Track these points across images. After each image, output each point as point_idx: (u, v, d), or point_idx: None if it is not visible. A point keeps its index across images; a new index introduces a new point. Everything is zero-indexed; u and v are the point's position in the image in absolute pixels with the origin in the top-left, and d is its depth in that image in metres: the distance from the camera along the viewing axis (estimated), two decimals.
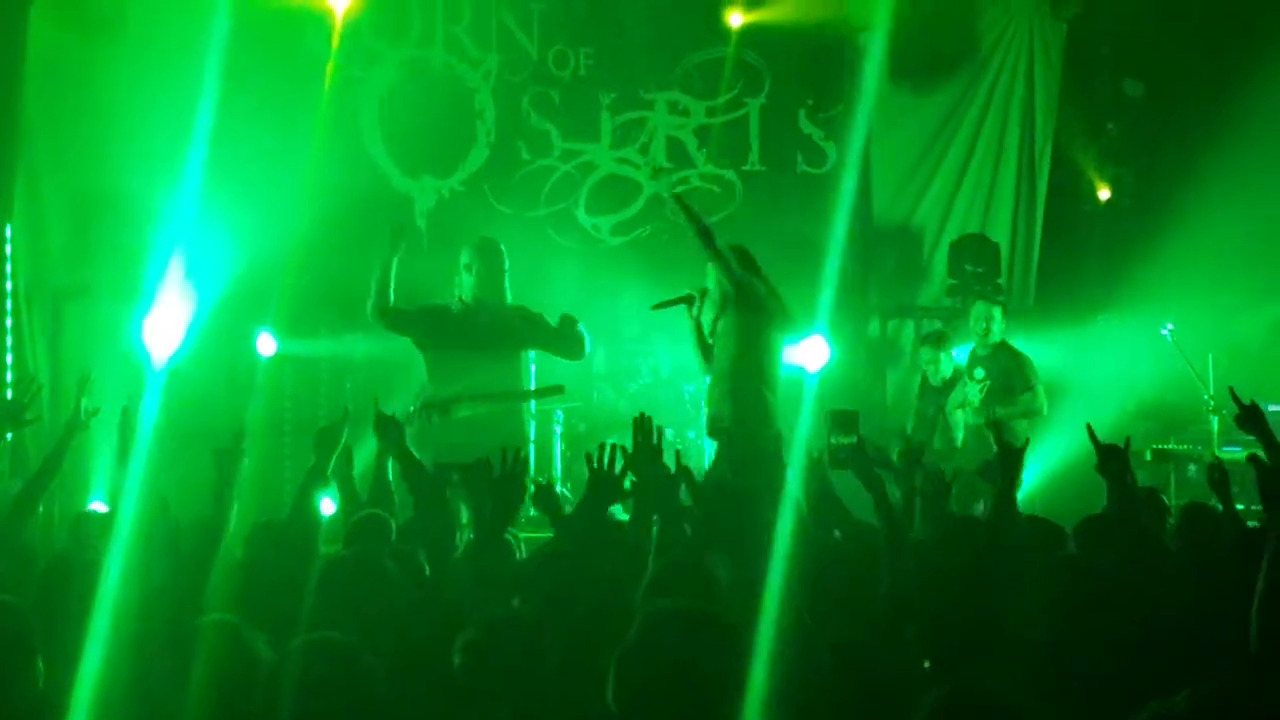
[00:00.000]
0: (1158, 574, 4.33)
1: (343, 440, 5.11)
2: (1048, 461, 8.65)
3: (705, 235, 7.52)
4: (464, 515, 6.00)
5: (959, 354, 9.12)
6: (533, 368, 8.67)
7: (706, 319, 7.73)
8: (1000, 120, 11.07)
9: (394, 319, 7.63)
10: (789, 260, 9.70)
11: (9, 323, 9.04)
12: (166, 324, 8.86)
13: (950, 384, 9.03)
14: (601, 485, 4.52)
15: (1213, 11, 10.74)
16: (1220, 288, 10.08)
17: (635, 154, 11.00)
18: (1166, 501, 6.74)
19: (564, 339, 7.81)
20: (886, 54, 10.39)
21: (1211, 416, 9.30)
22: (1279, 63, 9.91)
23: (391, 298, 7.53)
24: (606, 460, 4.52)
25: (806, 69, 11.09)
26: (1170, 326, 9.46)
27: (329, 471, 4.97)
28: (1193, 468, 9.44)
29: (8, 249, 9.00)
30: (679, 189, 8.80)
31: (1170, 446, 9.64)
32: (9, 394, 8.48)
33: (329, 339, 9.93)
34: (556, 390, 8.48)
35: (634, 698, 2.94)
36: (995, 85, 11.07)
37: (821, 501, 5.17)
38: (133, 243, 9.28)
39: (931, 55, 10.96)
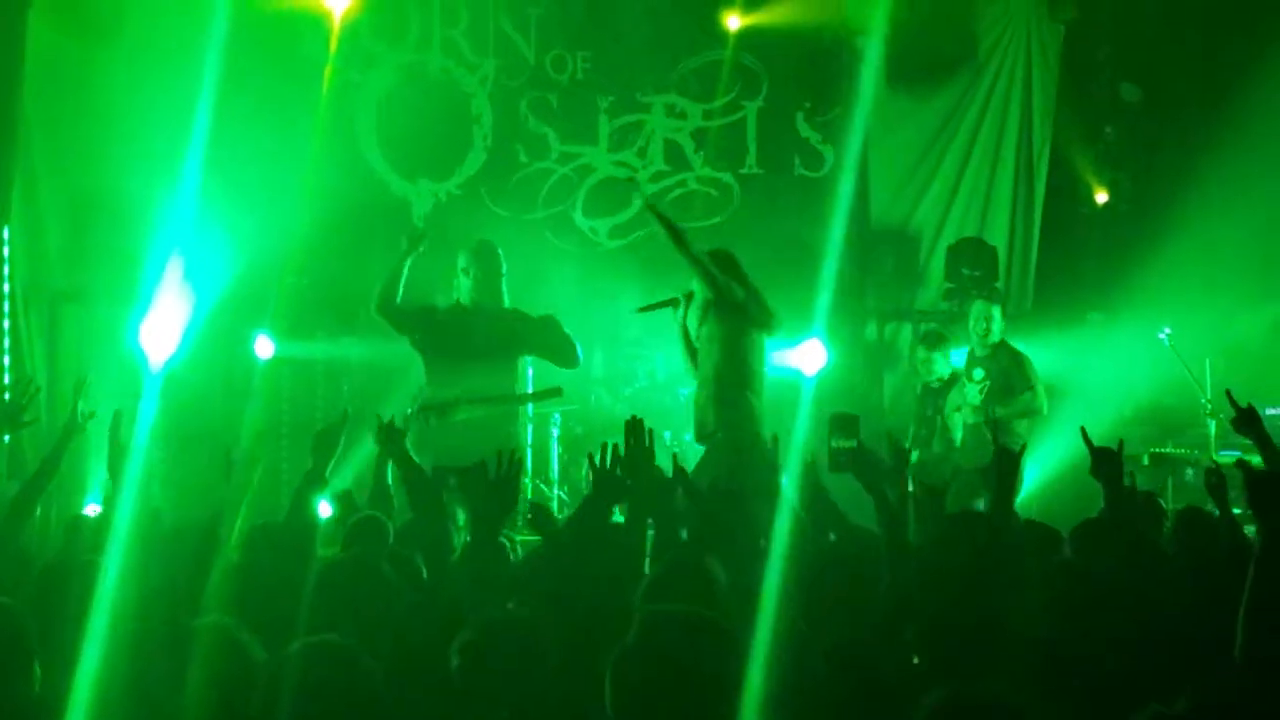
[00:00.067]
0: (1154, 578, 4.33)
1: (340, 443, 5.10)
2: (1045, 465, 8.66)
3: (680, 242, 7.51)
4: (460, 518, 6.00)
5: (956, 358, 9.12)
6: (530, 371, 8.68)
7: (692, 322, 7.74)
8: (998, 123, 11.08)
9: (397, 316, 7.66)
10: (786, 263, 9.73)
11: (6, 325, 9.03)
12: (164, 327, 8.86)
13: (947, 386, 9.03)
14: (604, 486, 4.52)
15: (1210, 15, 10.75)
16: (1218, 291, 10.09)
17: (633, 157, 11.00)
18: (1164, 505, 6.75)
19: (559, 347, 7.82)
20: (884, 57, 10.40)
21: (1209, 420, 9.30)
22: (1276, 66, 9.93)
23: (398, 296, 7.59)
24: (609, 460, 4.52)
25: (804, 72, 11.09)
26: (1168, 330, 9.46)
27: (327, 474, 4.97)
28: (1190, 472, 9.44)
29: (5, 251, 8.99)
30: (676, 193, 8.82)
31: (1168, 450, 9.64)
32: (6, 396, 8.46)
33: (326, 342, 9.93)
34: (554, 393, 8.49)
35: (631, 700, 2.95)
36: (993, 88, 11.08)
37: (817, 505, 5.17)
38: (130, 245, 9.27)
39: (929, 58, 10.96)
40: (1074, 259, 11.28)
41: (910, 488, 5.00)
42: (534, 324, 7.80)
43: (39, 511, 5.89)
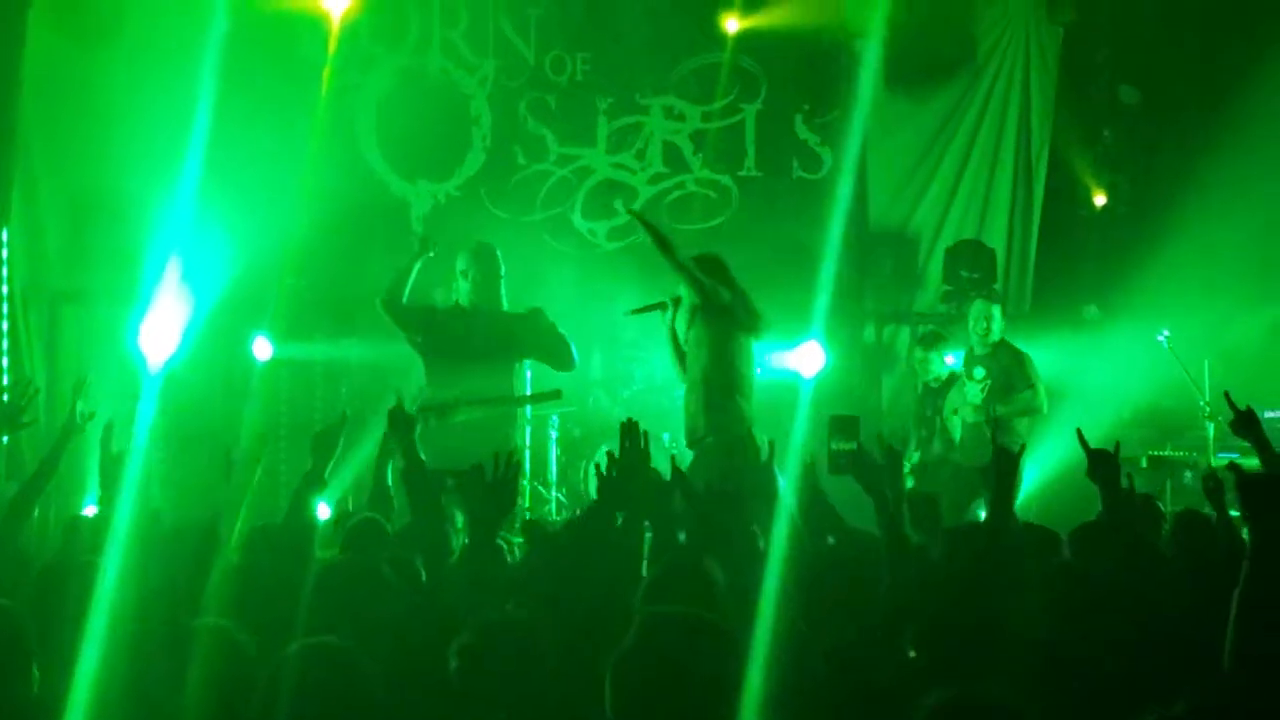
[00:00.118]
0: (1152, 580, 4.33)
1: (339, 444, 5.11)
2: (1044, 467, 8.65)
3: (666, 249, 7.50)
4: (459, 520, 6.00)
5: (954, 360, 9.12)
6: (528, 373, 8.68)
7: (681, 325, 7.74)
8: (996, 126, 11.09)
9: (402, 314, 7.70)
10: (784, 265, 9.74)
11: (5, 326, 9.03)
12: (163, 328, 8.85)
13: (946, 386, 9.04)
14: (610, 493, 4.52)
15: (1209, 17, 10.76)
16: (1216, 294, 10.09)
17: (631, 159, 11.01)
18: (1162, 508, 6.75)
19: (553, 349, 7.83)
20: (883, 60, 10.41)
21: (1207, 422, 9.29)
22: (1275, 69, 9.93)
23: (405, 296, 7.65)
24: (615, 470, 4.52)
25: (803, 74, 11.09)
26: (1166, 333, 9.45)
27: (326, 475, 4.97)
28: (1188, 474, 9.44)
29: (4, 252, 8.99)
30: (674, 195, 8.82)
31: (1166, 453, 9.64)
32: (5, 397, 8.47)
33: (325, 343, 9.92)
34: (554, 395, 8.49)
35: (631, 702, 2.95)
36: (991, 91, 11.09)
37: (814, 509, 5.17)
38: (129, 246, 9.27)
39: (928, 61, 10.97)
40: (1072, 261, 11.29)
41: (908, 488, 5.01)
42: (529, 325, 7.80)
43: (37, 512, 5.88)
